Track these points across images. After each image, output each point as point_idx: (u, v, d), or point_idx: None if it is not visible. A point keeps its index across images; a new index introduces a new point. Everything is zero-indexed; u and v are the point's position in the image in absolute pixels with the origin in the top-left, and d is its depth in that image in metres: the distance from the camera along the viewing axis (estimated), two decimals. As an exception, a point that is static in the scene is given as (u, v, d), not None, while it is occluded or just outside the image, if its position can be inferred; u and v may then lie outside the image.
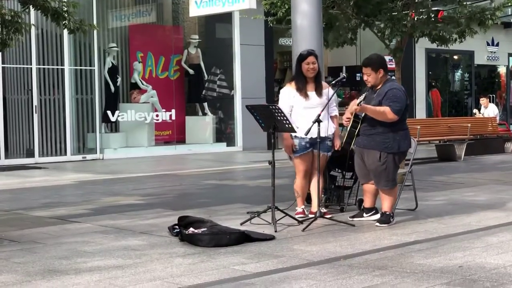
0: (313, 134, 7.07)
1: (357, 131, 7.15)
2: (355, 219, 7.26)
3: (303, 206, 7.46)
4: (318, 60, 7.43)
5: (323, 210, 7.35)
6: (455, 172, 12.45)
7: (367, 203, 7.32)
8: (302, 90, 7.27)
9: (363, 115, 7.07)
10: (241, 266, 5.36)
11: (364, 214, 7.30)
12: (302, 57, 7.33)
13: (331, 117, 7.38)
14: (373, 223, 7.08)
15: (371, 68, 7.03)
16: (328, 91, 7.34)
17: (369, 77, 7.06)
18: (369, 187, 7.22)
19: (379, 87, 7.07)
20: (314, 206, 7.30)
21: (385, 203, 7.07)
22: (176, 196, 9.78)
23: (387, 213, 7.05)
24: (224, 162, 15.29)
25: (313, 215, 7.11)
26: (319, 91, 7.28)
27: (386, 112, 6.89)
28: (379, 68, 7.03)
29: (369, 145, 7.03)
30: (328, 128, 7.28)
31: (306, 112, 7.23)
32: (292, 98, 7.28)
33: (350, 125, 7.19)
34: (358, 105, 6.94)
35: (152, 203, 8.98)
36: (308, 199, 8.26)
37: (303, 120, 7.15)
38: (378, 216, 7.19)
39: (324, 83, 7.50)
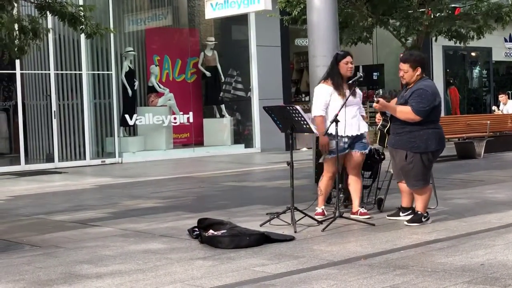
0: (350, 132, 7.23)
1: (386, 129, 7.05)
2: (392, 218, 7.24)
3: (323, 207, 7.45)
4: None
5: (363, 210, 7.38)
6: (475, 169, 12.38)
7: (403, 203, 7.22)
8: (340, 89, 7.27)
9: (390, 113, 7.00)
10: (262, 267, 5.36)
11: (401, 213, 7.22)
12: (340, 57, 7.33)
13: (361, 116, 7.45)
14: (402, 223, 7.03)
15: (409, 65, 6.84)
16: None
17: (405, 73, 6.85)
18: (404, 186, 7.10)
19: (411, 85, 6.91)
20: (355, 206, 7.40)
21: (418, 202, 6.98)
22: (195, 199, 9.80)
23: (419, 212, 6.97)
24: (243, 164, 15.30)
25: (355, 216, 7.23)
26: (353, 90, 7.26)
27: (406, 111, 6.75)
28: (418, 66, 6.83)
29: (397, 144, 6.94)
30: (360, 126, 7.32)
31: (342, 110, 7.19)
32: (329, 96, 7.27)
33: (379, 124, 7.14)
34: (376, 101, 6.83)
35: (172, 206, 9.00)
36: (327, 199, 8.28)
37: (341, 118, 7.12)
38: None
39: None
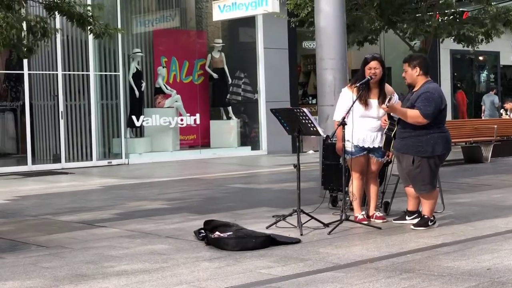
0: (367, 143, 7.17)
1: (393, 133, 6.98)
2: (398, 222, 7.23)
3: (363, 213, 7.31)
4: (383, 66, 7.19)
5: (379, 214, 7.39)
6: (482, 174, 12.35)
7: (409, 206, 7.20)
8: (362, 97, 7.10)
9: (398, 117, 6.96)
10: (267, 269, 5.36)
11: (407, 217, 7.19)
12: (365, 62, 7.15)
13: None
14: (408, 226, 7.01)
15: (408, 64, 6.91)
16: (393, 97, 7.12)
17: (405, 73, 6.93)
18: (411, 190, 7.08)
19: (416, 88, 6.92)
20: (371, 209, 7.39)
21: (424, 207, 6.97)
22: (201, 200, 9.80)
23: (425, 216, 6.95)
24: (249, 166, 15.30)
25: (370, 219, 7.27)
26: (381, 100, 7.03)
27: (415, 115, 6.72)
28: (416, 66, 6.87)
29: (403, 149, 6.90)
30: (375, 140, 7.22)
31: (363, 120, 7.15)
32: (350, 102, 7.08)
33: (386, 128, 7.06)
34: (386, 105, 6.75)
35: (178, 207, 9.01)
36: (334, 202, 8.28)
37: (357, 128, 7.10)
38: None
39: (389, 89, 7.28)
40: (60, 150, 15.54)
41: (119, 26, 15.78)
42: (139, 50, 17.33)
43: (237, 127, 18.68)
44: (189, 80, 18.52)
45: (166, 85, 17.74)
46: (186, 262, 5.68)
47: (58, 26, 12.79)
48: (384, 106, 6.80)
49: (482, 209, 8.13)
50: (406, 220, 7.18)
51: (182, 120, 17.50)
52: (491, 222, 7.24)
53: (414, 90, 6.95)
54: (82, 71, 15.96)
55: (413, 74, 6.91)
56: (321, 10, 9.17)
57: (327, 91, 9.07)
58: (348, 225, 6.97)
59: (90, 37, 8.73)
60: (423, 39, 13.64)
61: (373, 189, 7.41)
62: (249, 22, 18.04)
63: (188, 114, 17.65)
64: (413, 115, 6.75)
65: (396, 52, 19.41)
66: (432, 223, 6.97)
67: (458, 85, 23.50)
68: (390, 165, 7.70)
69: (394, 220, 7.30)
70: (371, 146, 7.22)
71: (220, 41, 18.60)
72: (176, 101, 17.67)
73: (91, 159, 15.88)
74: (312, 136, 7.81)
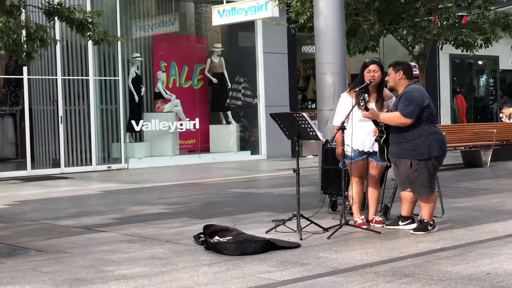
0: (366, 147, 7.19)
1: (382, 140, 7.00)
2: (390, 227, 7.22)
3: (363, 217, 7.32)
4: (382, 70, 7.22)
5: (378, 218, 7.39)
6: (481, 178, 12.35)
7: (403, 211, 7.20)
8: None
9: (383, 124, 6.98)
10: (267, 274, 5.36)
11: (400, 223, 7.19)
12: (364, 66, 7.20)
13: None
14: (406, 231, 7.00)
15: (392, 68, 7.01)
16: (391, 102, 7.16)
17: (388, 77, 7.02)
18: (406, 194, 7.11)
19: (399, 92, 6.98)
20: (370, 214, 7.39)
21: (423, 211, 6.98)
22: (201, 205, 9.80)
23: (425, 221, 6.97)
24: (249, 171, 15.30)
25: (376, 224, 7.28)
26: (379, 104, 7.11)
27: (396, 116, 6.81)
28: (400, 70, 6.95)
29: (399, 154, 6.92)
30: (374, 144, 7.22)
31: (361, 124, 7.15)
32: (349, 107, 7.08)
33: (376, 135, 7.09)
34: (365, 110, 6.82)
35: (177, 212, 9.01)
36: (333, 206, 8.28)
37: (357, 132, 7.11)
38: (414, 225, 7.07)
39: (388, 94, 7.31)
40: (60, 155, 15.53)
41: (119, 31, 15.84)
42: (138, 54, 17.35)
43: (237, 131, 18.68)
44: (188, 84, 18.53)
45: (166, 90, 17.75)
46: (186, 266, 5.68)
47: (57, 31, 12.85)
48: (364, 113, 6.86)
49: (481, 214, 8.14)
50: (399, 225, 7.18)
51: (181, 124, 17.50)
52: (490, 227, 7.24)
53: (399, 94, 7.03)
54: (82, 76, 15.97)
55: (396, 78, 6.99)
56: (320, 14, 9.19)
57: (326, 95, 9.08)
58: (348, 229, 6.98)
59: (90, 42, 8.75)
60: (422, 44, 13.65)
61: (373, 194, 7.41)
62: (248, 26, 18.06)
63: (188, 119, 17.65)
64: (394, 116, 6.85)
65: (395, 57, 19.43)
66: (431, 227, 6.97)
67: (458, 89, 23.50)
68: (389, 169, 7.71)
69: (387, 225, 7.28)
70: (371, 150, 7.23)
71: (220, 45, 18.62)
72: (176, 106, 17.68)
73: (91, 164, 15.88)
74: (311, 141, 7.82)
